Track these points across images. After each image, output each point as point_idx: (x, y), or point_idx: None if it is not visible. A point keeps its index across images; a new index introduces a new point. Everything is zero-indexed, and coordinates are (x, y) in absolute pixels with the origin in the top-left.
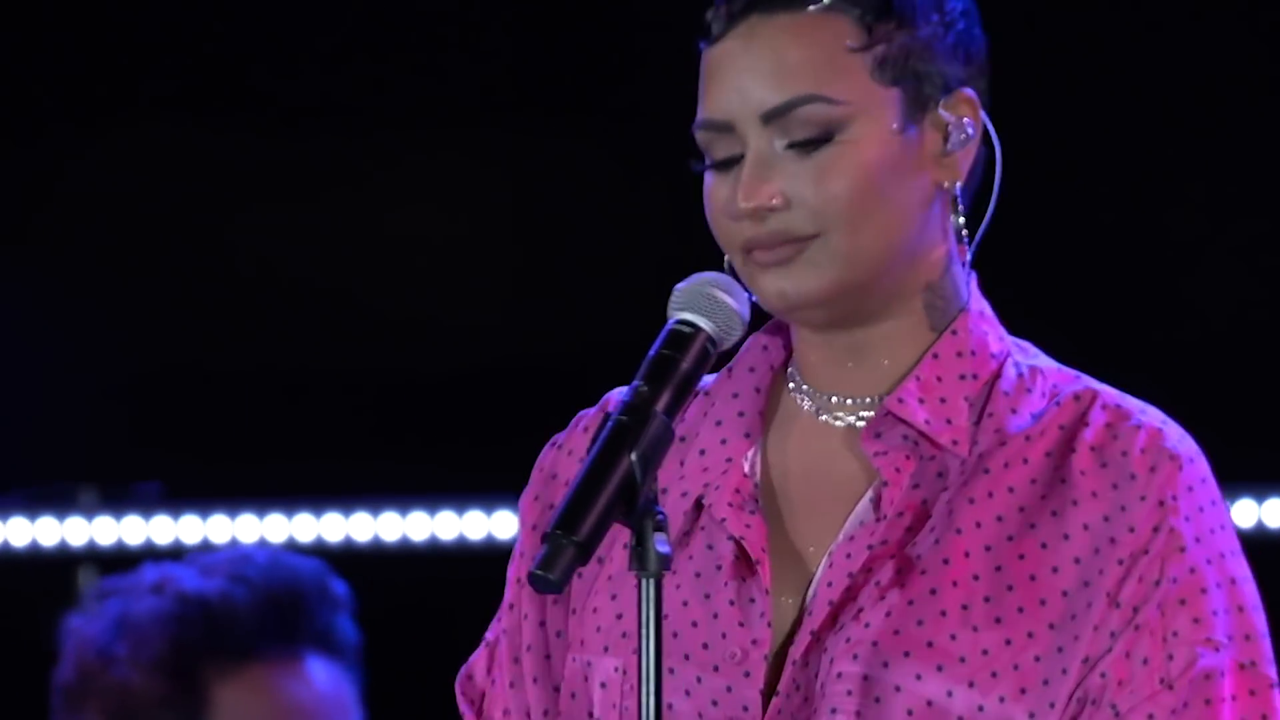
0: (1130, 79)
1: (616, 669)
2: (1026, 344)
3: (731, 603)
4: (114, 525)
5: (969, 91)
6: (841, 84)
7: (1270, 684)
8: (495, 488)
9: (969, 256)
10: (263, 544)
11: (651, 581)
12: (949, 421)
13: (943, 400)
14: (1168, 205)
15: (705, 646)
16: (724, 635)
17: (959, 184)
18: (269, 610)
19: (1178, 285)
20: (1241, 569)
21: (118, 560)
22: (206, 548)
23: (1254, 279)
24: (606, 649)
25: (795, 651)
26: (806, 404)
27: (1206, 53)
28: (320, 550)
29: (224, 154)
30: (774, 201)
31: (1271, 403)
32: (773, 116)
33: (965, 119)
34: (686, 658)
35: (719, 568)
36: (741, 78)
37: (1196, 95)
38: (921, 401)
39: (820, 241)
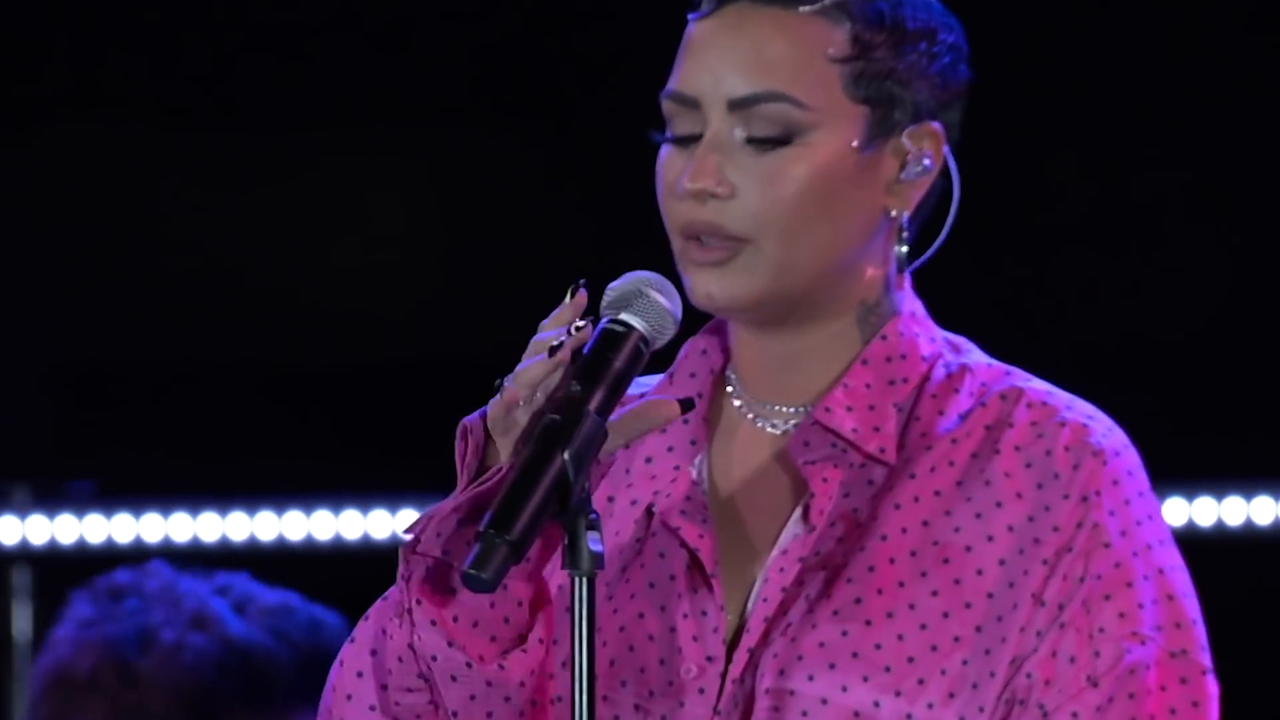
0: (1118, 75)
1: None
2: (960, 340)
3: (685, 616)
4: (47, 524)
5: (936, 125)
6: (813, 90)
7: (1202, 670)
8: (433, 487)
9: (907, 284)
10: (284, 588)
11: (585, 580)
12: (877, 429)
13: (871, 407)
14: (1154, 203)
15: (662, 662)
16: (680, 650)
17: (906, 214)
18: (305, 675)
19: (1162, 283)
20: (1171, 558)
21: (51, 559)
22: (140, 546)
23: (1241, 277)
24: (564, 664)
25: (734, 669)
26: (745, 410)
27: (1201, 50)
28: (253, 548)
29: (159, 147)
30: (719, 189)
31: (1256, 398)
32: (738, 105)
33: (926, 151)
34: (642, 671)
35: (672, 578)
36: (718, 60)
37: (1188, 93)
38: (849, 410)
39: (753, 248)
